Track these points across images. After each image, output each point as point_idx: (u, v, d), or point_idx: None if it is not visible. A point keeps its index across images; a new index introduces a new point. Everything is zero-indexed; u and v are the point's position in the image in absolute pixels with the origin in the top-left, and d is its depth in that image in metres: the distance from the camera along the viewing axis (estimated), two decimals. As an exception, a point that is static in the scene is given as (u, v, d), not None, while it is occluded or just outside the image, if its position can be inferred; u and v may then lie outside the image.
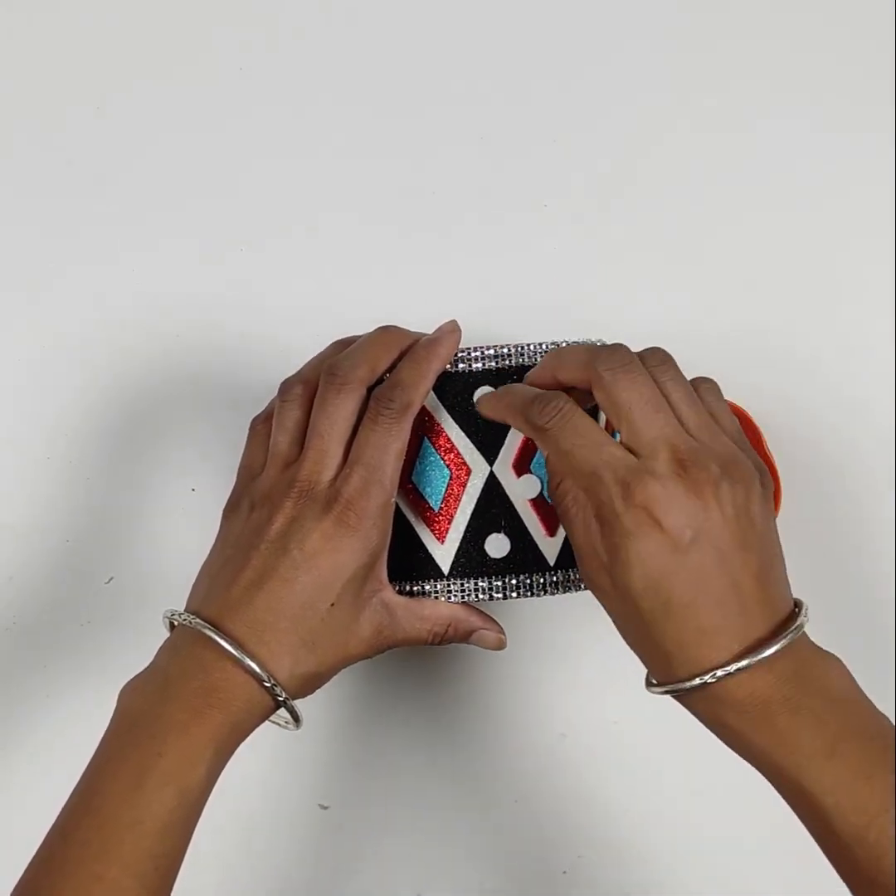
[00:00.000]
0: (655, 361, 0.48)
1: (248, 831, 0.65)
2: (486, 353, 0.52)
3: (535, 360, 0.52)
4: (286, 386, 0.53)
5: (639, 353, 0.49)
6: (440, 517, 0.52)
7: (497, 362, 0.52)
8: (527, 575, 0.52)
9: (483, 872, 0.64)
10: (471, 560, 0.52)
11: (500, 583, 0.52)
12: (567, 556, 0.53)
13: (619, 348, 0.48)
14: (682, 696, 0.45)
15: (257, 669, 0.46)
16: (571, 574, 0.53)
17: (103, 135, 0.68)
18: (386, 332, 0.53)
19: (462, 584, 0.52)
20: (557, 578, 0.53)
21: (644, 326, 0.67)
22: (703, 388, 0.50)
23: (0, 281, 0.67)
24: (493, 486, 0.52)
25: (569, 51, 0.68)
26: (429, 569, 0.52)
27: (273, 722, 0.50)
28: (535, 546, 0.52)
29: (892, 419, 0.65)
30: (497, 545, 0.52)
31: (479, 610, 0.54)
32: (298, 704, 0.49)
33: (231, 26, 0.69)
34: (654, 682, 0.47)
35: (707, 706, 0.44)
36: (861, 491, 0.65)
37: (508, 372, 0.52)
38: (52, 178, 0.68)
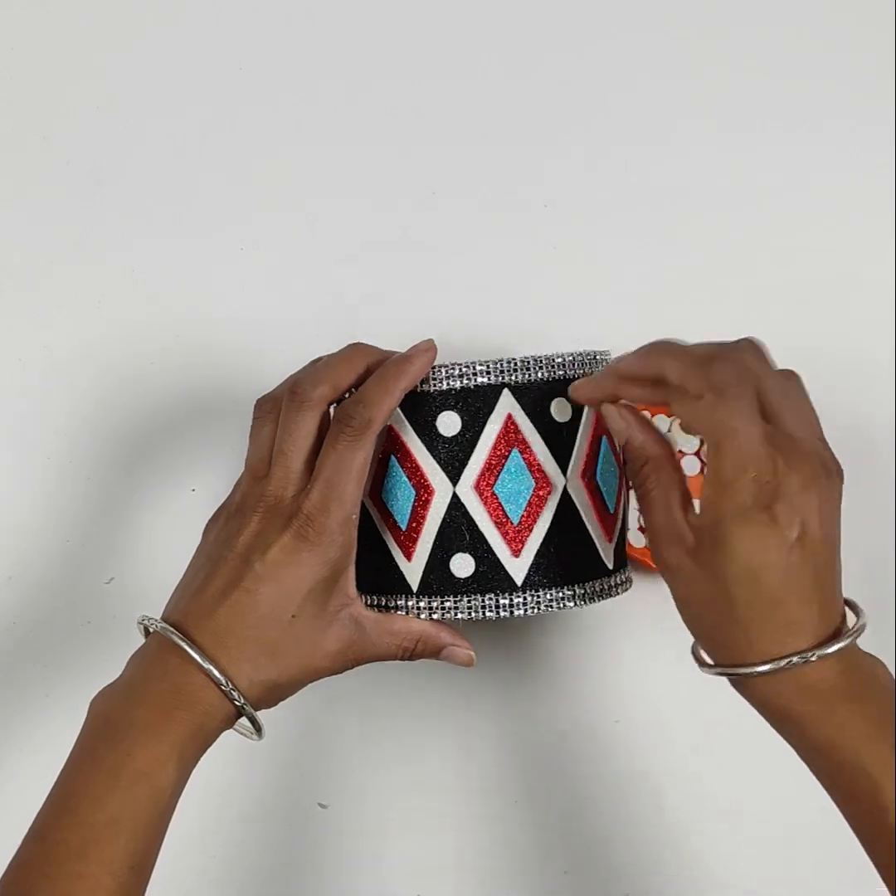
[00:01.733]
0: (755, 356, 0.49)
1: (249, 831, 0.65)
2: (451, 372, 0.51)
3: (509, 378, 0.51)
4: (259, 402, 0.54)
5: (735, 348, 0.49)
6: (406, 535, 0.52)
7: (462, 381, 0.51)
8: (493, 595, 0.52)
9: (483, 872, 0.64)
10: (438, 578, 0.52)
11: (466, 602, 0.52)
12: (535, 577, 0.52)
13: (730, 359, 0.48)
14: (744, 680, 0.47)
15: (216, 673, 0.48)
16: (541, 595, 0.52)
17: (102, 135, 0.68)
18: (353, 348, 0.53)
19: (430, 602, 0.52)
20: (526, 599, 0.52)
21: (644, 326, 0.67)
22: (793, 382, 0.50)
23: (2, 283, 0.67)
24: (456, 506, 0.52)
25: (569, 51, 0.68)
26: (400, 585, 0.53)
27: (236, 731, 0.51)
28: (501, 566, 0.52)
29: (893, 419, 0.65)
30: (462, 564, 0.52)
31: (449, 627, 0.54)
32: (260, 715, 0.50)
33: (231, 26, 0.69)
34: (713, 662, 0.48)
35: (771, 691, 0.46)
36: (861, 490, 0.65)
37: (477, 392, 0.51)
38: (52, 178, 0.68)
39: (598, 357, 0.54)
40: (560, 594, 0.52)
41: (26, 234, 0.67)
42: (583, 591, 0.52)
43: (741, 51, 0.68)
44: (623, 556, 0.56)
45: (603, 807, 0.65)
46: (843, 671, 0.46)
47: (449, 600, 0.52)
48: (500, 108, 0.68)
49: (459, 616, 0.52)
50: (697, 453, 0.61)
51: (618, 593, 0.54)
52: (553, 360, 0.52)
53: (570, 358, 0.52)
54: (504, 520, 0.52)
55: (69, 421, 0.66)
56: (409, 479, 0.52)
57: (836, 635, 0.46)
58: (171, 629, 0.48)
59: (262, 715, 0.50)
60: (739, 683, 0.47)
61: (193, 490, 0.65)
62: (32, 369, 0.66)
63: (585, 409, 0.53)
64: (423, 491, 0.52)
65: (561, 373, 0.52)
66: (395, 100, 0.68)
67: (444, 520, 0.52)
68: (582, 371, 0.53)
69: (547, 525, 0.52)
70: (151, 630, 0.50)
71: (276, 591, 0.49)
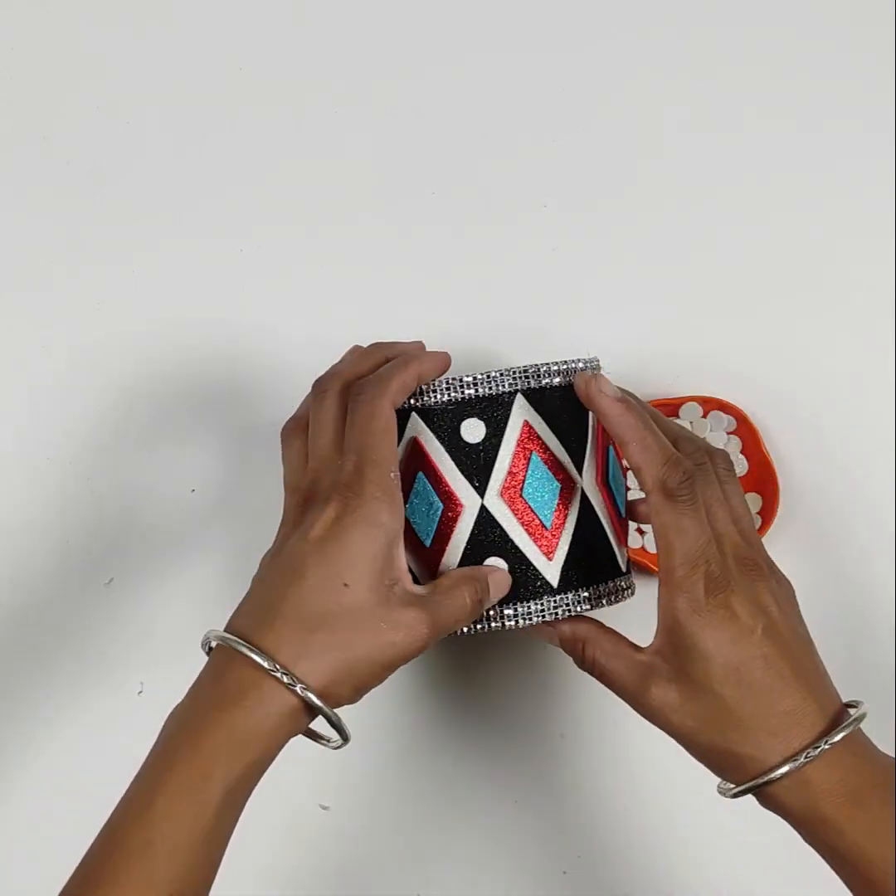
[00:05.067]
0: (723, 466, 0.51)
1: (249, 831, 0.64)
2: (464, 381, 0.52)
3: (523, 384, 0.52)
4: (285, 426, 0.54)
5: (701, 453, 0.51)
6: (433, 551, 0.52)
7: (476, 390, 0.51)
8: (532, 601, 0.52)
9: (483, 872, 0.64)
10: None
11: (508, 610, 0.52)
12: (569, 576, 0.52)
13: (692, 465, 0.50)
14: (771, 789, 0.47)
15: (255, 656, 0.44)
16: (574, 595, 0.52)
17: (102, 135, 0.68)
18: (373, 345, 0.54)
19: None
20: (566, 599, 0.52)
21: (645, 325, 0.67)
22: (732, 481, 0.52)
23: (1, 284, 0.67)
24: (486, 515, 0.52)
25: (569, 51, 0.68)
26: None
27: (316, 739, 0.49)
28: (537, 571, 0.52)
29: (892, 418, 0.65)
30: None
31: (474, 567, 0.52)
32: (342, 713, 0.47)
33: (231, 26, 0.69)
34: (734, 784, 0.48)
35: (800, 797, 0.46)
36: (860, 489, 0.65)
37: (492, 399, 0.51)
38: (52, 178, 0.68)
39: (598, 363, 0.55)
40: (588, 594, 0.52)
41: (26, 235, 0.67)
42: (607, 589, 0.53)
43: (742, 51, 0.68)
44: (628, 561, 0.56)
45: (603, 807, 0.65)
46: (863, 761, 0.46)
47: (492, 609, 0.52)
48: (500, 108, 0.68)
49: (508, 624, 0.52)
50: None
51: (630, 596, 0.55)
52: (566, 365, 0.53)
53: (582, 364, 0.53)
54: (537, 524, 0.52)
55: (69, 421, 0.66)
56: (438, 494, 0.52)
57: (837, 723, 0.46)
58: (215, 631, 0.46)
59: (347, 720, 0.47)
60: (764, 797, 0.47)
61: (193, 490, 0.65)
62: (32, 369, 0.66)
63: (590, 413, 0.53)
64: (451, 505, 0.52)
65: (570, 379, 0.52)
66: (396, 100, 0.68)
67: (473, 530, 0.52)
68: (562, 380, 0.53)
69: (573, 526, 0.52)
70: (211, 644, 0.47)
71: (324, 562, 0.46)
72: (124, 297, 0.67)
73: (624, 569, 0.55)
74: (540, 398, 0.52)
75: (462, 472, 0.51)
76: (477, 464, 0.51)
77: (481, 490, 0.51)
